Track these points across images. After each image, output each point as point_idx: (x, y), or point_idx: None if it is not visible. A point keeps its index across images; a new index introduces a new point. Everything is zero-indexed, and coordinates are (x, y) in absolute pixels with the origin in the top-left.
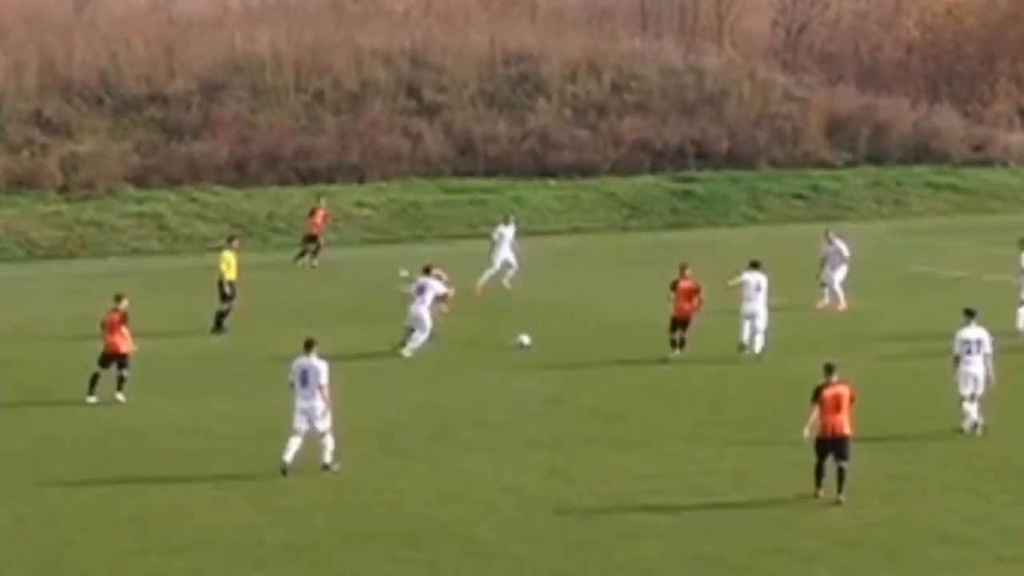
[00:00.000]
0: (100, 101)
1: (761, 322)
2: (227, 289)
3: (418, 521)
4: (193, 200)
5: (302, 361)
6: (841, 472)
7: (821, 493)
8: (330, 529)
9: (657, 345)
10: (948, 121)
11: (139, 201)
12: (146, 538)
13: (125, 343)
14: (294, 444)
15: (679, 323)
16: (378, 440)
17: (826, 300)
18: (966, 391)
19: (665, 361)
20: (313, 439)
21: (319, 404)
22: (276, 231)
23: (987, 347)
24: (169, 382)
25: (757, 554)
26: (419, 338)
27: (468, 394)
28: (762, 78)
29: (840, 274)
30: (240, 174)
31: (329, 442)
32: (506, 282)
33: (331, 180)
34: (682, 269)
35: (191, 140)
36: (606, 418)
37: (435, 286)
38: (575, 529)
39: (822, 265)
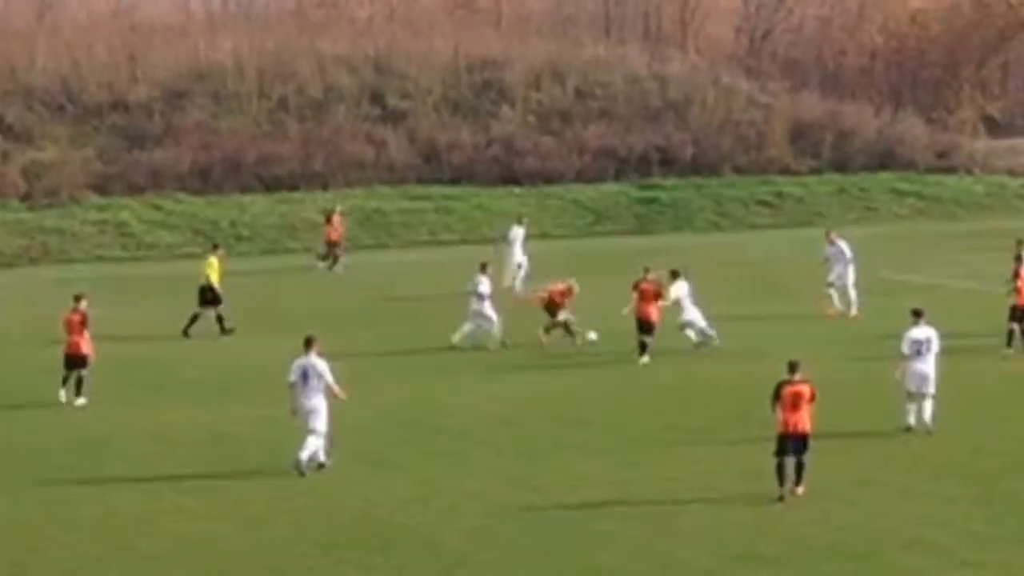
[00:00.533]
0: (62, 108)
1: (700, 322)
2: (208, 294)
3: (384, 527)
4: (156, 207)
5: (302, 361)
6: (800, 466)
7: (787, 495)
8: (296, 535)
9: (623, 349)
10: (912, 128)
11: (101, 209)
12: (111, 546)
13: (86, 344)
14: (311, 443)
15: (643, 325)
16: (344, 445)
17: (837, 305)
18: (913, 389)
19: (634, 363)
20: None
21: (320, 402)
22: (240, 239)
23: (935, 346)
24: (134, 388)
25: (723, 559)
26: (491, 330)
27: (434, 399)
28: (726, 84)
29: (850, 277)
30: (203, 181)
31: (312, 443)
32: (517, 283)
33: (294, 187)
34: (645, 271)
35: (153, 147)
36: (571, 423)
37: (481, 284)
38: (540, 535)
39: (826, 267)
